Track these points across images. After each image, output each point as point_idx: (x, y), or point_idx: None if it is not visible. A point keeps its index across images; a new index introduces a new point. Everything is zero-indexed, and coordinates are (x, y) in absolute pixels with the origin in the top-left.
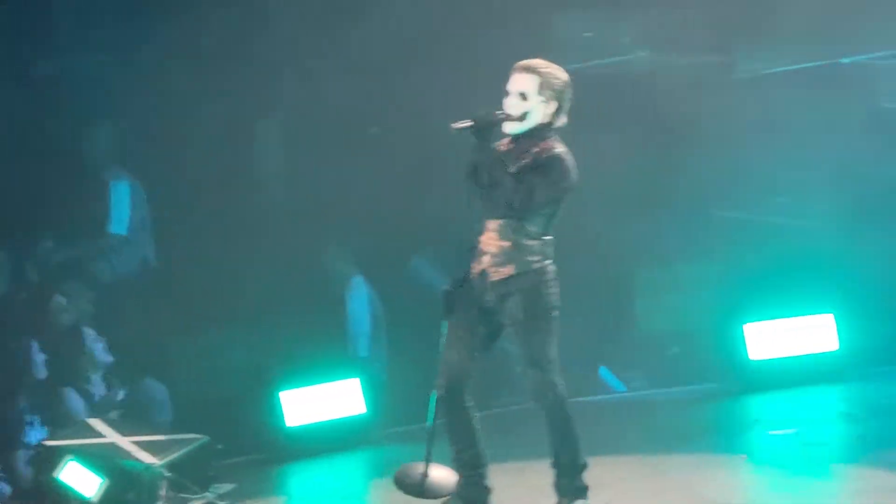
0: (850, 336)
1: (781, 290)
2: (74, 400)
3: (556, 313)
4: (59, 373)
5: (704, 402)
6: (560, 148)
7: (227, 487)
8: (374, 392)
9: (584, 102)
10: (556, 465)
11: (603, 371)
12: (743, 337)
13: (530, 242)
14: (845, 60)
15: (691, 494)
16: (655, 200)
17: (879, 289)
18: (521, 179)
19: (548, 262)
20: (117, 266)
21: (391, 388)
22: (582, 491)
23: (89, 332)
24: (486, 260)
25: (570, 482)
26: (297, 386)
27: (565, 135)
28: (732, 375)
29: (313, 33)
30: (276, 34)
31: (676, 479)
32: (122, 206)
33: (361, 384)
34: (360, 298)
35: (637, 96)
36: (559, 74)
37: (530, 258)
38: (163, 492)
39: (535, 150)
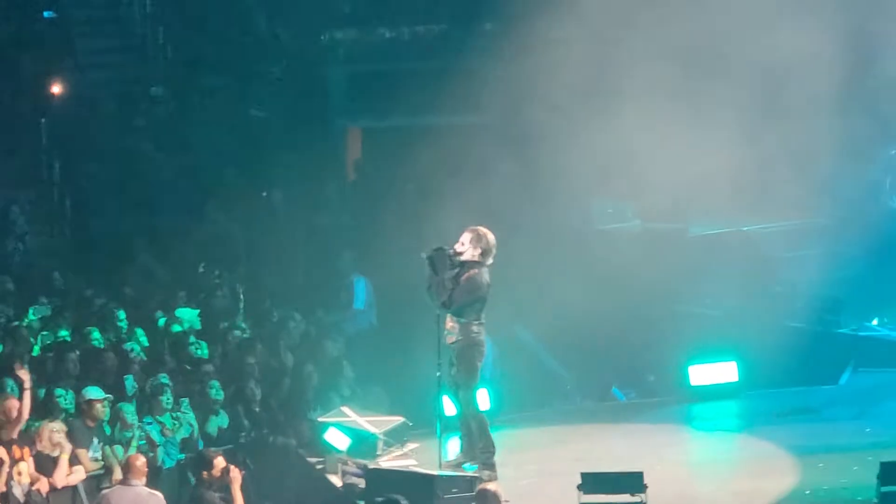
0: (744, 373)
1: (711, 347)
2: (335, 397)
3: (477, 363)
4: (327, 381)
5: (666, 405)
6: (478, 273)
7: (413, 445)
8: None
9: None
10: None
11: (614, 389)
12: (688, 372)
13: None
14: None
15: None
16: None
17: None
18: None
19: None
20: (357, 325)
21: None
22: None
23: (345, 362)
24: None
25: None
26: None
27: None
28: (683, 393)
29: None
30: None
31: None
32: (360, 293)
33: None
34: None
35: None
36: (487, 235)
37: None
38: (380, 447)
39: (466, 274)
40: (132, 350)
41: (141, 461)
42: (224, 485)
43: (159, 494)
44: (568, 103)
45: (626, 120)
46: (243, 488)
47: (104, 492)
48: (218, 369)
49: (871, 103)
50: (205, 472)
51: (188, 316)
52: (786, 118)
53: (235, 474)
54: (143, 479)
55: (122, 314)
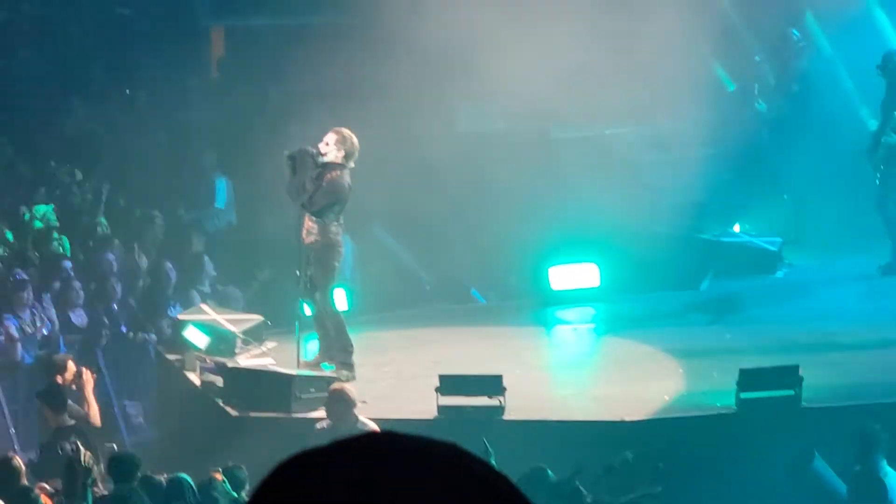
0: (605, 277)
1: (572, 250)
2: (195, 295)
3: (336, 264)
4: (187, 279)
5: (527, 308)
6: (339, 175)
7: (271, 344)
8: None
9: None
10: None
11: (474, 291)
12: (548, 275)
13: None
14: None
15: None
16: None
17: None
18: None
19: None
20: (216, 224)
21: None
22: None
23: (206, 259)
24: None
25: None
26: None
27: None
28: (543, 296)
29: None
30: None
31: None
32: (221, 192)
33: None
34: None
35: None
36: (351, 137)
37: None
38: (238, 345)
39: (328, 175)
40: None
41: None
42: (78, 389)
43: None
44: (428, 1)
45: (488, 18)
46: (101, 385)
47: None
48: (79, 266)
49: (741, 7)
50: (58, 377)
51: (43, 211)
52: (654, 19)
53: (87, 377)
54: None
55: None
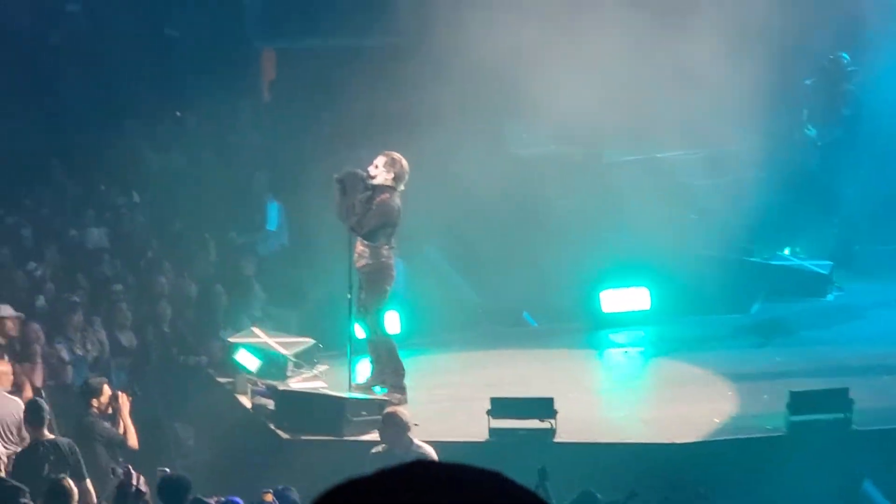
0: (656, 300)
1: (623, 274)
2: (244, 318)
3: (387, 287)
4: (238, 302)
5: (578, 331)
6: (389, 198)
7: (323, 367)
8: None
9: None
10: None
11: (525, 315)
12: (600, 299)
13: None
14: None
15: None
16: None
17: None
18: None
19: (385, 259)
20: (268, 247)
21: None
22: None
23: (255, 282)
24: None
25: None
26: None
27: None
28: (594, 320)
29: None
30: None
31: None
32: (272, 215)
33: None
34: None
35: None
36: (401, 160)
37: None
38: (290, 369)
39: (378, 198)
40: (36, 269)
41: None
42: (113, 412)
43: (18, 400)
44: (478, 22)
45: (539, 40)
46: (149, 408)
47: None
48: (129, 288)
49: (792, 30)
50: (94, 401)
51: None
52: (705, 43)
53: (123, 400)
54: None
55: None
